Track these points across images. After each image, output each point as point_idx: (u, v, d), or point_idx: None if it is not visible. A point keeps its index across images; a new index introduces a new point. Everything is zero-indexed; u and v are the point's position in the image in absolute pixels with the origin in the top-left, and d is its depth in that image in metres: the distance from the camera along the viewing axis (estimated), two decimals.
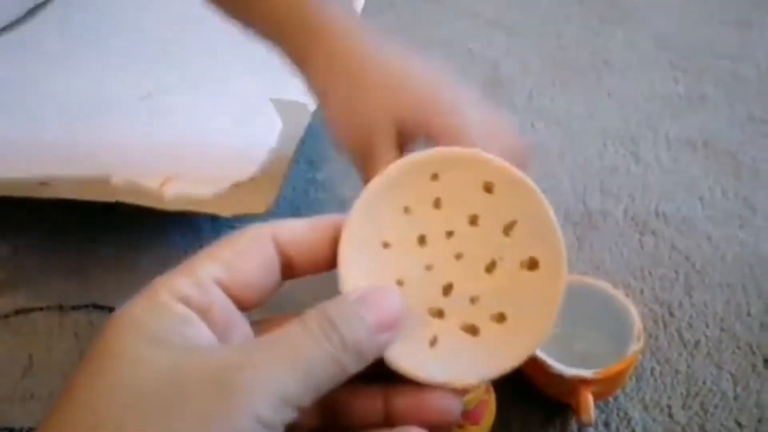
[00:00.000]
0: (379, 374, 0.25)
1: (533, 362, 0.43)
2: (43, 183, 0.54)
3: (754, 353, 0.49)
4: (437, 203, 0.27)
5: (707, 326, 0.51)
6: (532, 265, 0.27)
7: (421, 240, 0.27)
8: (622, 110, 0.69)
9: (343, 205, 0.59)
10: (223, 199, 0.54)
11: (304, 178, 0.62)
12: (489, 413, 0.44)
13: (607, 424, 0.46)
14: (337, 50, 0.46)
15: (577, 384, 0.43)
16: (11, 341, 0.51)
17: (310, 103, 0.60)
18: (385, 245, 0.27)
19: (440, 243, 0.27)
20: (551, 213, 0.27)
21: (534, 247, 0.27)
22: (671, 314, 0.52)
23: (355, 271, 0.26)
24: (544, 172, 0.63)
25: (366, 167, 0.47)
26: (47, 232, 0.58)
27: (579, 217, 0.59)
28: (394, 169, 0.27)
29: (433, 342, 0.26)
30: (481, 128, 0.44)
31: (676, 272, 0.54)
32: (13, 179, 0.55)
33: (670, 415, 0.46)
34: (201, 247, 0.26)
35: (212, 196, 0.54)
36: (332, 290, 0.25)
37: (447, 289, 0.27)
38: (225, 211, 0.52)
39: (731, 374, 0.48)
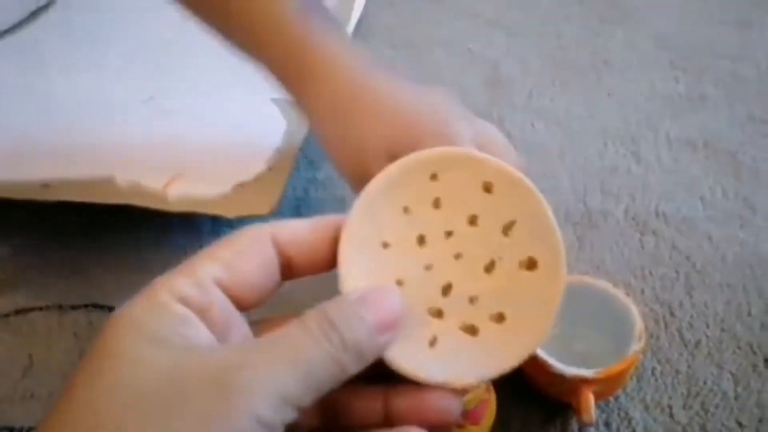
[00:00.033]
0: (379, 374, 0.25)
1: (534, 362, 0.43)
2: (45, 185, 0.54)
3: (754, 353, 0.49)
4: (437, 203, 0.27)
5: (708, 326, 0.51)
6: (531, 265, 0.27)
7: (421, 240, 0.27)
8: (623, 110, 0.69)
9: (343, 205, 0.59)
10: (226, 201, 0.54)
11: (304, 178, 0.62)
12: (489, 413, 0.44)
13: (607, 424, 0.46)
14: (328, 79, 0.46)
15: (578, 384, 0.43)
16: (11, 341, 0.51)
17: None
18: (385, 245, 0.27)
19: (439, 243, 0.27)
20: (550, 213, 0.27)
21: (533, 247, 0.27)
22: (672, 314, 0.52)
23: (355, 271, 0.26)
24: (545, 171, 0.63)
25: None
26: (47, 232, 0.58)
27: (579, 216, 0.59)
28: (393, 169, 0.27)
29: (433, 342, 0.26)
30: (473, 146, 0.44)
31: (677, 272, 0.54)
32: (14, 181, 0.55)
33: (671, 415, 0.46)
34: (201, 247, 0.26)
35: (216, 197, 0.54)
36: (332, 290, 0.25)
37: (446, 289, 0.27)
38: (229, 212, 0.52)
39: (732, 374, 0.48)
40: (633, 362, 0.44)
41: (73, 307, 0.52)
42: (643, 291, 0.53)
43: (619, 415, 0.46)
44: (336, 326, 0.23)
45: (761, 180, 0.61)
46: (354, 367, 0.23)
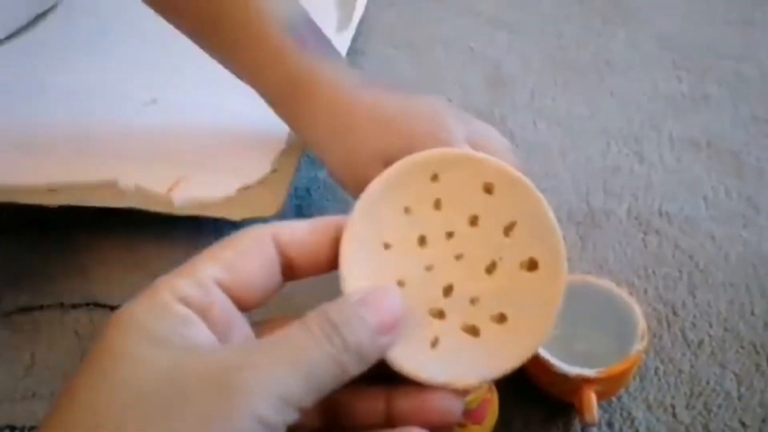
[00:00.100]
0: (381, 375, 0.25)
1: (536, 361, 0.42)
2: (51, 189, 0.55)
3: (758, 353, 0.49)
4: (437, 204, 0.27)
5: (711, 326, 0.51)
6: (532, 265, 0.27)
7: (422, 241, 0.27)
8: (625, 110, 0.69)
9: (344, 205, 0.59)
10: (231, 203, 0.54)
11: (305, 177, 0.62)
12: (491, 413, 0.44)
13: (610, 424, 0.46)
14: (324, 97, 0.48)
15: (580, 383, 0.42)
16: (13, 339, 0.51)
17: None
18: (386, 246, 0.27)
19: (440, 243, 0.27)
20: (550, 213, 0.27)
21: (534, 248, 0.27)
22: (675, 313, 0.51)
23: (356, 272, 0.26)
24: (547, 171, 0.63)
25: None
26: (48, 231, 0.58)
27: (582, 216, 0.59)
28: (394, 170, 0.27)
29: (434, 343, 0.26)
30: (467, 146, 0.45)
31: (680, 272, 0.54)
32: (19, 185, 0.55)
33: (674, 415, 0.46)
34: (203, 247, 0.26)
35: (221, 200, 0.54)
36: (333, 291, 0.25)
37: (447, 290, 0.27)
38: (233, 215, 0.52)
39: (735, 374, 0.48)
40: (636, 362, 0.44)
41: (75, 306, 0.53)
42: (645, 290, 0.53)
43: (621, 414, 0.46)
44: (337, 328, 0.23)
45: (764, 180, 0.61)
46: (355, 369, 0.23)
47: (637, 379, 0.47)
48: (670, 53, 0.75)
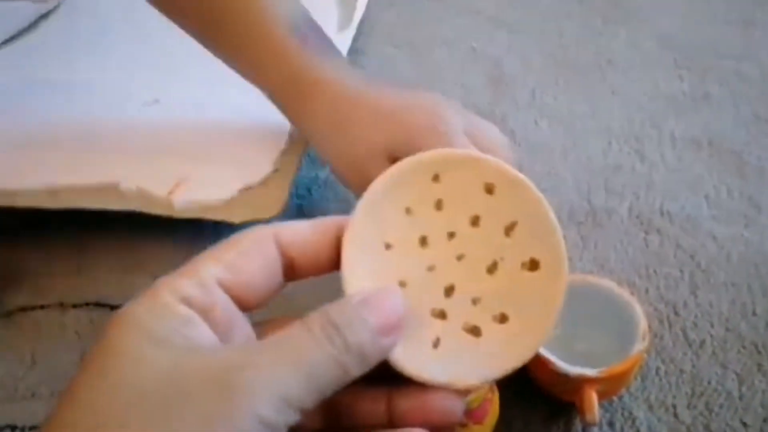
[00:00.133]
0: (382, 375, 0.25)
1: (537, 361, 0.42)
2: (52, 192, 0.54)
3: (759, 353, 0.49)
4: (439, 204, 0.27)
5: (712, 325, 0.51)
6: (533, 265, 0.27)
7: (423, 241, 0.27)
8: (626, 109, 0.69)
9: (345, 204, 0.59)
10: (232, 205, 0.54)
11: (306, 177, 0.62)
12: (492, 412, 0.44)
13: (611, 424, 0.46)
14: (326, 95, 0.49)
15: (581, 383, 0.42)
16: (13, 339, 0.51)
17: None
18: (388, 246, 0.27)
19: (442, 244, 0.27)
20: (551, 214, 0.27)
21: (534, 248, 0.27)
22: (676, 313, 0.51)
23: (357, 273, 0.26)
24: (548, 170, 0.62)
25: None
26: (48, 230, 0.58)
27: (583, 215, 0.58)
28: (395, 170, 0.27)
29: (436, 343, 0.26)
30: (467, 138, 0.46)
31: (681, 271, 0.54)
32: (20, 189, 0.55)
33: (675, 415, 0.46)
34: (204, 247, 0.26)
35: (222, 202, 0.54)
36: (334, 292, 0.25)
37: (449, 290, 0.27)
38: (235, 218, 0.52)
39: (736, 374, 0.48)
40: (637, 362, 0.43)
41: (75, 306, 0.52)
42: (647, 290, 0.53)
43: (622, 414, 0.46)
44: (339, 328, 0.23)
45: (766, 179, 0.61)
46: (357, 370, 0.23)
47: (639, 378, 0.47)
48: (671, 52, 0.75)
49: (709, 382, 0.47)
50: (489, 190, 0.27)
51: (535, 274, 0.27)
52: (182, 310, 0.24)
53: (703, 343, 0.50)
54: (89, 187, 0.55)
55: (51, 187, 0.55)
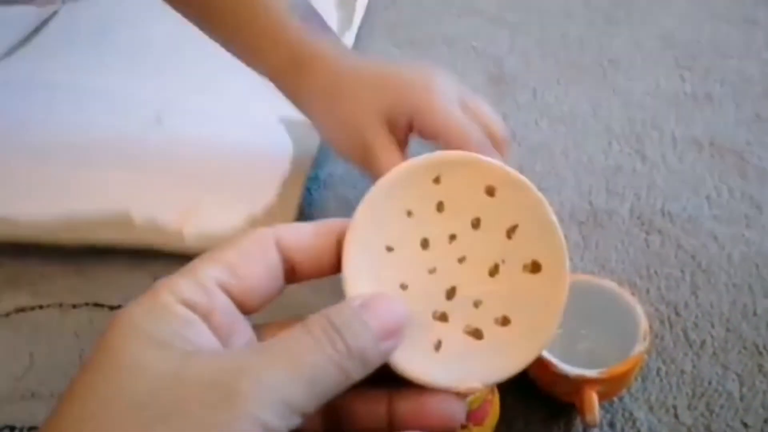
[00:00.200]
0: (383, 377, 0.25)
1: (538, 362, 0.42)
2: (66, 225, 0.54)
3: (760, 353, 0.49)
4: (440, 206, 0.27)
5: (713, 326, 0.50)
6: (535, 268, 0.27)
7: (425, 243, 0.27)
8: (628, 109, 0.69)
9: (345, 204, 0.59)
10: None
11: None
12: (493, 413, 0.44)
13: (612, 425, 0.46)
14: (321, 70, 0.50)
15: (581, 384, 0.42)
16: (12, 339, 0.51)
17: None
18: (389, 249, 0.27)
19: (443, 246, 0.27)
20: (552, 216, 0.27)
21: (536, 250, 0.27)
22: (677, 314, 0.51)
23: (358, 275, 0.26)
24: (549, 170, 0.62)
25: (370, 167, 0.47)
26: None
27: (584, 216, 0.58)
28: (395, 172, 0.27)
29: (438, 346, 0.26)
30: (459, 105, 0.48)
31: (682, 271, 0.54)
32: (22, 222, 0.55)
33: (676, 416, 0.46)
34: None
35: (231, 232, 0.54)
36: (334, 294, 0.25)
37: (450, 293, 0.27)
38: None
39: (737, 374, 0.48)
40: (637, 362, 0.43)
41: (74, 306, 0.52)
42: (648, 290, 0.53)
43: (623, 415, 0.46)
44: (340, 332, 0.23)
45: (767, 179, 0.61)
46: (358, 374, 0.23)
47: (639, 379, 0.47)
48: (672, 52, 0.75)
49: (709, 383, 0.47)
50: (490, 191, 0.27)
51: (537, 276, 0.27)
52: (182, 312, 0.23)
53: (703, 343, 0.49)
54: (101, 219, 0.55)
55: (63, 216, 0.55)
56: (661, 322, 0.51)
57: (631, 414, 0.46)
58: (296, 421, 0.22)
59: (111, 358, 0.22)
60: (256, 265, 0.25)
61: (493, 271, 0.27)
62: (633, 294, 0.46)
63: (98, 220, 0.55)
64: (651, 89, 0.71)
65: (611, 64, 0.74)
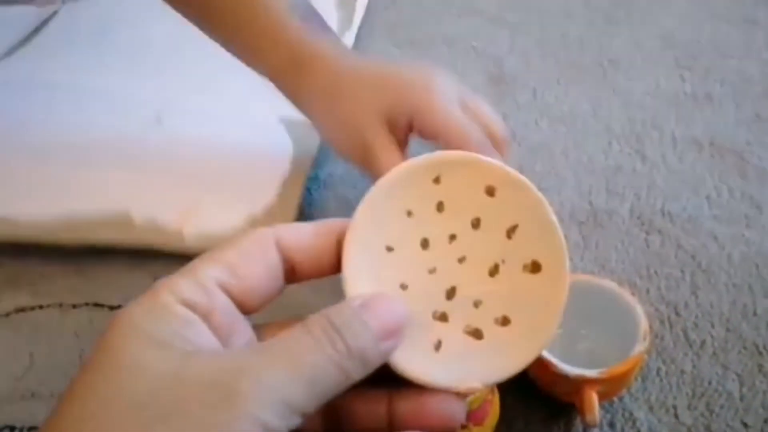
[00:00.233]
0: (383, 377, 0.25)
1: (538, 361, 0.42)
2: (66, 225, 0.54)
3: (760, 353, 0.49)
4: (440, 206, 0.27)
5: (713, 326, 0.50)
6: (535, 268, 0.27)
7: (425, 243, 0.27)
8: (628, 109, 0.69)
9: (344, 203, 0.59)
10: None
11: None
12: (493, 413, 0.44)
13: (612, 425, 0.46)
14: (321, 69, 0.51)
15: (581, 384, 0.42)
16: (12, 339, 0.51)
17: None
18: (389, 249, 0.27)
19: (443, 246, 0.27)
20: (552, 216, 0.27)
21: (536, 251, 0.27)
22: (677, 314, 0.51)
23: (359, 275, 0.26)
24: (549, 170, 0.62)
25: (370, 167, 0.48)
26: None
27: (584, 215, 0.58)
28: (395, 172, 0.27)
29: (438, 346, 0.26)
30: (459, 105, 0.48)
31: (682, 271, 0.54)
32: (22, 222, 0.55)
33: (676, 416, 0.46)
34: None
35: (231, 232, 0.54)
36: (334, 294, 0.25)
37: (450, 293, 0.27)
38: None
39: (737, 374, 0.48)
40: (637, 362, 0.43)
41: (74, 306, 0.52)
42: (648, 290, 0.53)
43: (623, 415, 0.46)
44: (340, 333, 0.23)
45: (767, 179, 0.61)
46: (358, 374, 0.23)
47: (639, 379, 0.47)
48: (672, 52, 0.75)
49: (709, 383, 0.47)
50: (490, 191, 0.27)
51: (537, 276, 0.27)
52: (182, 312, 0.23)
53: (703, 343, 0.49)
54: (101, 218, 0.55)
55: (63, 217, 0.55)
56: (661, 322, 0.51)
57: (631, 414, 0.46)
58: (296, 421, 0.22)
59: (111, 358, 0.22)
60: (256, 265, 0.25)
61: (493, 271, 0.27)
62: (633, 294, 0.46)
63: (98, 220, 0.55)
64: (651, 89, 0.71)
65: (611, 64, 0.74)
